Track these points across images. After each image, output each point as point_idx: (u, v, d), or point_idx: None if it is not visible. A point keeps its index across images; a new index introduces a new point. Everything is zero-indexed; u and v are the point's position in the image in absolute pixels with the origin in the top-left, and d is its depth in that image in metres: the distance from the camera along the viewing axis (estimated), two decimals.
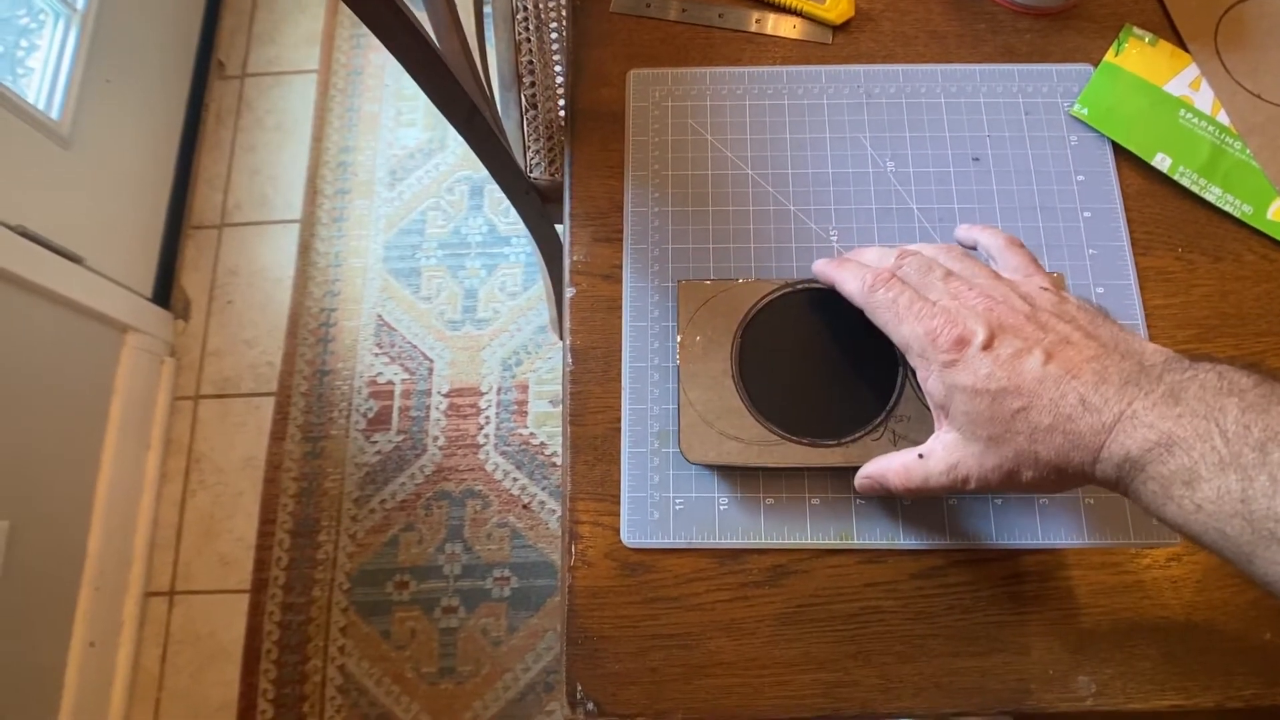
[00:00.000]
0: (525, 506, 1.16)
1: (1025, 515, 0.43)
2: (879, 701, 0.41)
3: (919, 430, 0.42)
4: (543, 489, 1.17)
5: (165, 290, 1.30)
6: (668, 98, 0.52)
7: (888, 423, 0.43)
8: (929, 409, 0.42)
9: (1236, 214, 0.49)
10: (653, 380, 0.46)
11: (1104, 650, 0.42)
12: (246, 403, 1.24)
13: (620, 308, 0.47)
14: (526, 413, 1.22)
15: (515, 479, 1.16)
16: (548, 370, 1.24)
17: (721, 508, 0.43)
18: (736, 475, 0.44)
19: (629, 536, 0.43)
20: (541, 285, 1.30)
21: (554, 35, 0.91)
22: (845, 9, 0.53)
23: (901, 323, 0.36)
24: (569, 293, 0.48)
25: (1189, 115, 0.51)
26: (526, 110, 0.89)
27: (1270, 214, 0.49)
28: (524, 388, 1.23)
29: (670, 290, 0.47)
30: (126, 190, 1.25)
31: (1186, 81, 0.52)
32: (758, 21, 0.53)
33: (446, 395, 1.22)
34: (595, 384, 0.46)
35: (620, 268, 0.48)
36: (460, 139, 0.67)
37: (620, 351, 0.47)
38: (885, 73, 0.52)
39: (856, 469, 0.43)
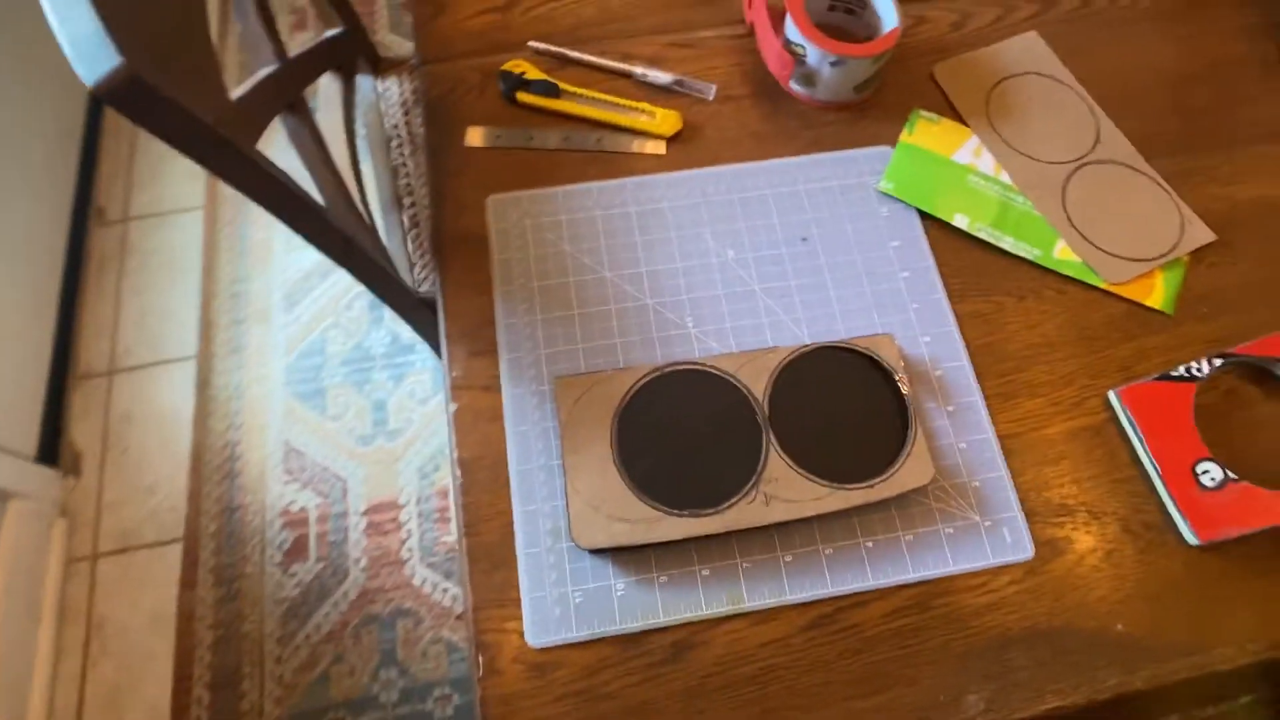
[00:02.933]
0: (459, 617, 1.14)
1: (894, 553, 0.47)
2: None
3: (787, 489, 0.46)
4: None
5: (52, 447, 1.25)
6: (525, 216, 0.56)
7: (758, 485, 0.46)
8: (794, 468, 0.47)
9: (1029, 257, 0.57)
10: (540, 480, 0.48)
11: (984, 667, 0.45)
12: (150, 554, 1.18)
13: (502, 416, 0.50)
14: (449, 519, 1.21)
15: (445, 589, 1.15)
16: None
17: (619, 593, 0.46)
18: (630, 558, 0.47)
19: (533, 637, 0.45)
20: None
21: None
22: (674, 122, 0.59)
23: None
24: (451, 408, 0.51)
25: (976, 179, 0.59)
26: (410, 229, 0.92)
27: (1056, 253, 0.57)
28: (444, 494, 1.22)
29: (547, 392, 0.51)
30: (2, 347, 1.20)
31: (970, 150, 0.60)
32: (599, 141, 0.59)
33: (364, 514, 1.20)
34: (485, 493, 0.48)
35: (498, 378, 0.51)
36: None
37: (506, 459, 0.49)
38: (716, 174, 0.58)
39: (739, 533, 0.47)
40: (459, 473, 0.49)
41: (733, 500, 0.46)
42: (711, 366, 0.50)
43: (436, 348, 0.95)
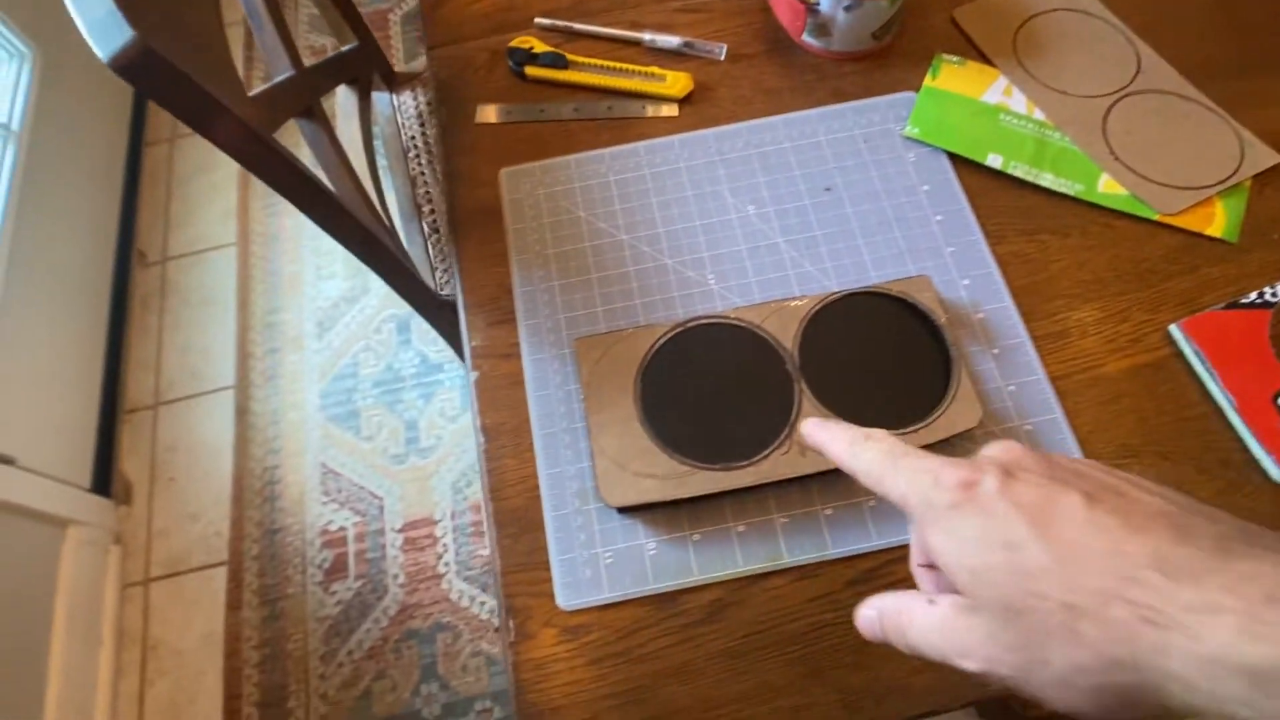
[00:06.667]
0: (497, 630, 1.11)
1: None
2: (843, 719, 0.40)
3: None
4: None
5: (105, 478, 1.27)
6: (539, 187, 0.55)
7: (791, 435, 0.44)
8: (830, 416, 0.44)
9: (1071, 193, 0.53)
10: (564, 443, 0.46)
11: None
12: (199, 577, 1.19)
13: (523, 382, 0.49)
14: (484, 533, 1.19)
15: (482, 603, 1.12)
16: None
17: (651, 553, 0.43)
18: (661, 517, 0.44)
19: (564, 599, 0.42)
20: None
21: None
22: (685, 84, 0.58)
23: (897, 473, 0.28)
24: (473, 376, 0.49)
25: (1008, 118, 0.56)
26: (430, 235, 0.93)
27: (1100, 187, 0.53)
28: (478, 508, 1.21)
29: (568, 356, 0.49)
30: (57, 386, 1.24)
31: (1000, 90, 0.57)
32: (609, 109, 0.58)
33: (401, 530, 1.19)
34: (509, 458, 0.47)
35: (518, 345, 0.50)
36: (381, 282, 0.69)
37: (529, 423, 0.47)
38: (732, 131, 0.57)
39: (772, 485, 0.44)
40: (483, 439, 0.47)
41: (765, 452, 0.44)
42: (736, 318, 0.48)
43: (461, 350, 0.94)
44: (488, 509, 0.46)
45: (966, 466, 0.27)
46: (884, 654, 0.41)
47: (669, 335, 0.48)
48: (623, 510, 0.44)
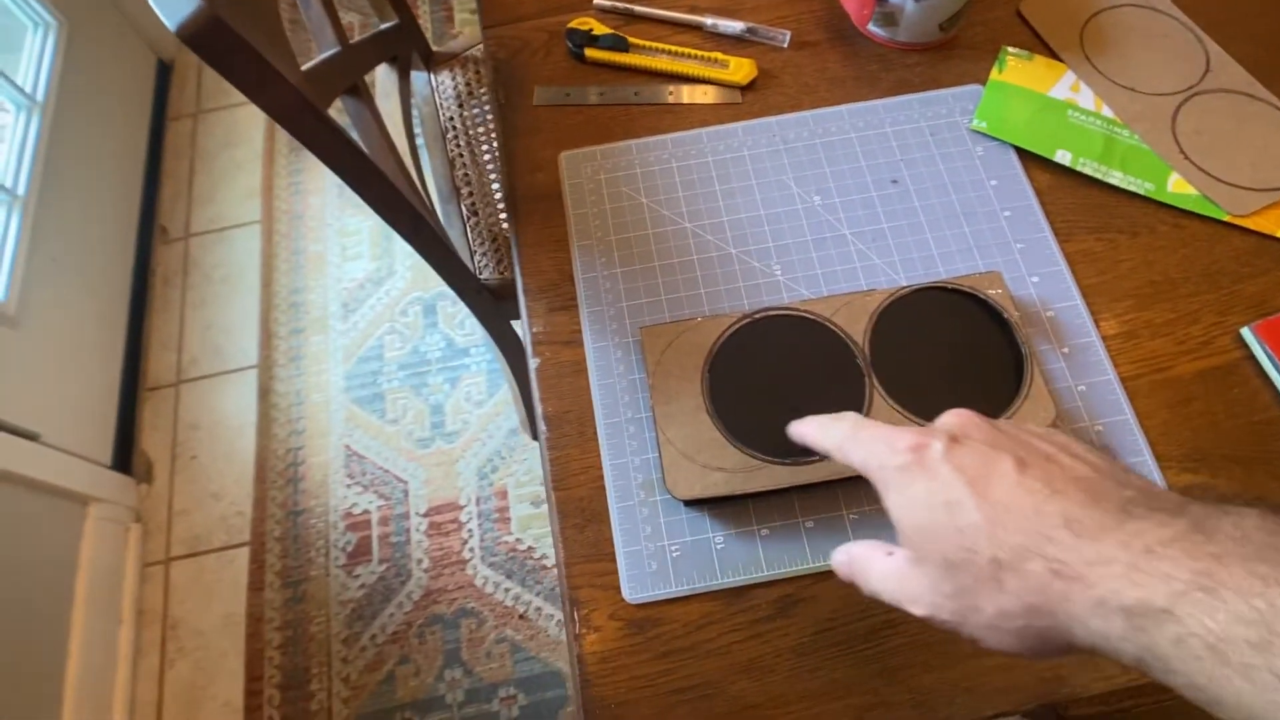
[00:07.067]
0: (522, 616, 1.11)
1: None
2: (913, 719, 0.39)
3: None
4: (537, 595, 1.13)
5: (126, 455, 1.27)
6: (600, 171, 0.55)
7: None
8: (902, 414, 0.44)
9: (1141, 192, 0.53)
10: (629, 433, 0.46)
11: None
12: (220, 557, 1.19)
13: (586, 370, 0.48)
14: (509, 519, 1.19)
15: (508, 589, 1.12)
16: (525, 472, 1.22)
17: (718, 547, 0.43)
18: (729, 511, 0.44)
19: (630, 592, 0.42)
20: (507, 389, 1.30)
21: (485, 148, 0.96)
22: (749, 71, 0.57)
23: (858, 443, 0.32)
24: (533, 364, 0.49)
25: (1077, 114, 0.55)
26: (468, 218, 0.92)
27: (1170, 187, 0.53)
28: (503, 494, 1.21)
29: (632, 344, 0.48)
30: (79, 362, 1.24)
31: (1067, 85, 0.56)
32: (671, 94, 0.57)
33: (425, 515, 1.19)
34: (573, 447, 0.46)
35: (580, 332, 0.49)
36: (407, 264, 0.68)
37: (593, 411, 0.47)
38: (796, 120, 0.56)
39: (841, 480, 0.43)
40: (545, 427, 0.46)
41: None
42: (806, 311, 0.47)
43: (497, 336, 0.94)
44: (550, 498, 0.45)
45: (919, 433, 0.30)
46: (954, 654, 0.40)
47: (737, 326, 0.47)
48: (689, 503, 0.44)
